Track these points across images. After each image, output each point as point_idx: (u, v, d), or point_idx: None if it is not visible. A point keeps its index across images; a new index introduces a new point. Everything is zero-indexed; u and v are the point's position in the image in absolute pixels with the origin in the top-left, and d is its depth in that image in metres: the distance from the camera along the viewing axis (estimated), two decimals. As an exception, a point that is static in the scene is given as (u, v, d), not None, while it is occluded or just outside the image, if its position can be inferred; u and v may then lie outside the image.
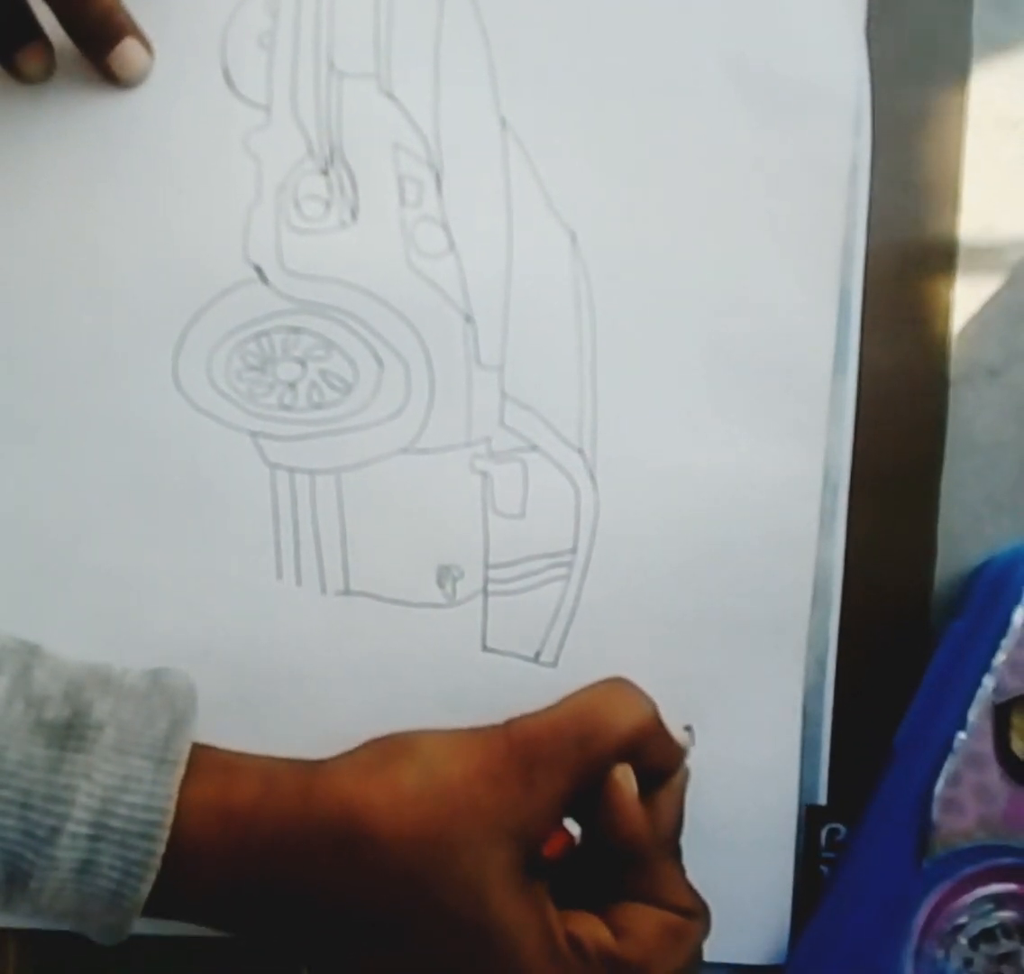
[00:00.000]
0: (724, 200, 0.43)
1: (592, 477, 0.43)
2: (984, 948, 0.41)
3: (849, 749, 0.44)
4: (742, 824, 0.43)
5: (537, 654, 0.43)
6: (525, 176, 0.43)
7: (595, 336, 0.43)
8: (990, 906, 0.41)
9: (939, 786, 0.41)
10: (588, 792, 0.38)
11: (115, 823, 0.35)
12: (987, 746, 0.41)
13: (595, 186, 0.43)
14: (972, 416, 0.45)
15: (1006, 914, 0.41)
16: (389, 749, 0.38)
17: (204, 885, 0.36)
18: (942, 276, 0.45)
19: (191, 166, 0.43)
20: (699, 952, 0.39)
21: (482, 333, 0.43)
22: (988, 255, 0.45)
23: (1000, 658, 0.41)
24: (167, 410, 0.42)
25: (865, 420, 0.44)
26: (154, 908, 0.36)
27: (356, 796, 0.36)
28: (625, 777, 0.39)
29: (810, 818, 0.44)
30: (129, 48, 0.41)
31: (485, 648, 0.43)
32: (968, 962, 0.41)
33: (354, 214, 0.43)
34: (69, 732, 0.36)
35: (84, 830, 0.35)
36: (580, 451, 0.43)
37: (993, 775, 0.41)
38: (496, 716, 0.39)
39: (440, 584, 0.43)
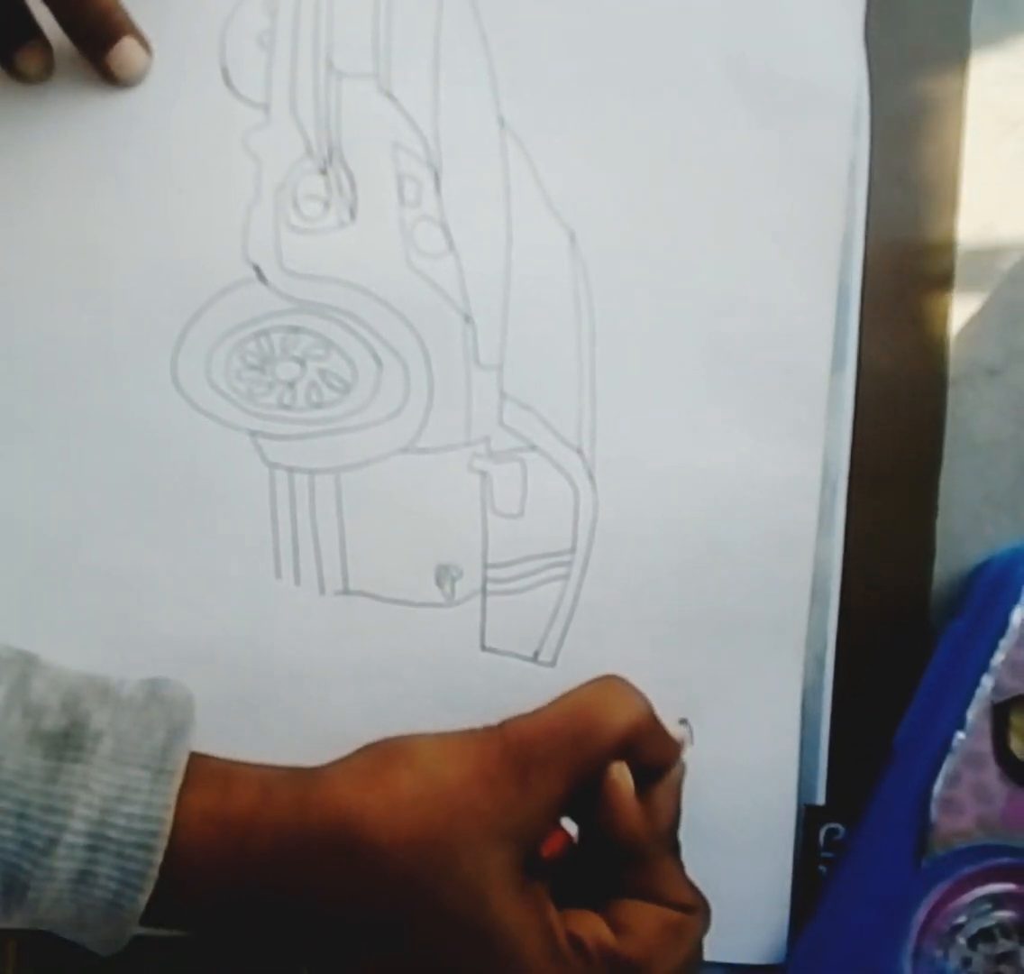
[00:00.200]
0: (723, 199, 0.43)
1: (591, 477, 0.43)
2: (983, 948, 0.41)
3: (848, 749, 0.44)
4: (741, 824, 0.43)
5: (536, 654, 0.43)
6: (524, 176, 0.43)
7: (594, 336, 0.43)
8: (988, 906, 0.41)
9: (938, 786, 0.41)
10: (585, 791, 0.38)
11: (113, 833, 0.35)
12: (986, 746, 0.41)
13: (594, 186, 0.43)
14: (971, 415, 0.45)
15: (1004, 914, 0.41)
16: (384, 754, 0.38)
17: (202, 895, 0.36)
18: (941, 275, 0.45)
19: (190, 166, 0.43)
20: (700, 947, 0.39)
21: (481, 333, 0.43)
22: (987, 255, 0.45)
23: (999, 658, 0.41)
24: (166, 409, 0.42)
25: (864, 419, 0.44)
26: (152, 918, 0.36)
27: (353, 803, 0.36)
28: (621, 775, 0.38)
29: (809, 818, 0.44)
30: (128, 47, 0.41)
31: (484, 648, 0.43)
32: (967, 962, 0.41)
33: (353, 214, 0.43)
34: (67, 742, 0.35)
35: (82, 840, 0.35)
36: (579, 451, 0.43)
37: (992, 775, 0.41)
38: (495, 715, 0.39)
39: (439, 584, 0.43)
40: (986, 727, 0.41)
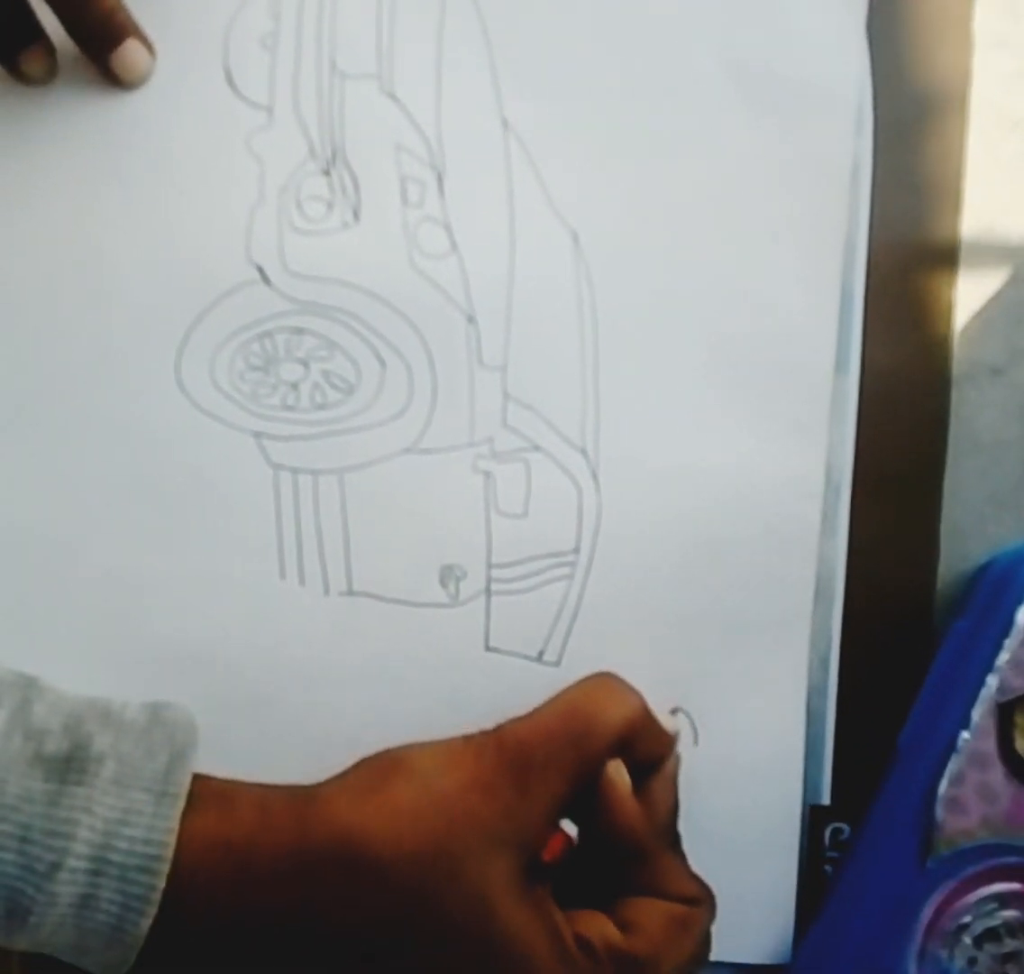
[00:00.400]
0: (726, 200, 0.44)
1: (595, 477, 0.43)
2: (988, 947, 0.41)
3: (853, 749, 0.44)
4: (746, 824, 0.43)
5: (540, 653, 0.43)
6: (527, 177, 0.43)
7: (597, 336, 0.43)
8: (994, 905, 0.41)
9: (943, 785, 0.41)
10: (583, 791, 0.38)
11: (115, 857, 0.34)
12: (990, 745, 0.41)
13: (597, 186, 0.43)
14: (975, 415, 0.45)
15: (1010, 913, 0.41)
16: (381, 767, 0.37)
17: (206, 918, 0.36)
18: (944, 275, 0.45)
19: (193, 167, 0.43)
20: (707, 937, 0.39)
21: (485, 334, 0.43)
22: (990, 254, 0.45)
23: (1003, 657, 0.41)
24: (170, 411, 0.42)
25: (867, 419, 0.44)
26: (155, 942, 0.35)
27: (353, 821, 0.36)
28: (618, 773, 0.38)
29: (814, 818, 0.44)
30: (131, 49, 0.42)
31: (488, 648, 0.43)
32: (972, 961, 0.41)
33: (356, 215, 0.43)
34: (69, 765, 0.35)
35: (84, 864, 0.34)
36: (583, 451, 0.43)
37: (996, 774, 0.41)
38: (499, 716, 0.39)
39: (443, 584, 0.43)
40: (991, 727, 0.41)
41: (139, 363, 0.42)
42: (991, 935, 0.41)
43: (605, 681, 0.40)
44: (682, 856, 0.40)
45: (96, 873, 0.34)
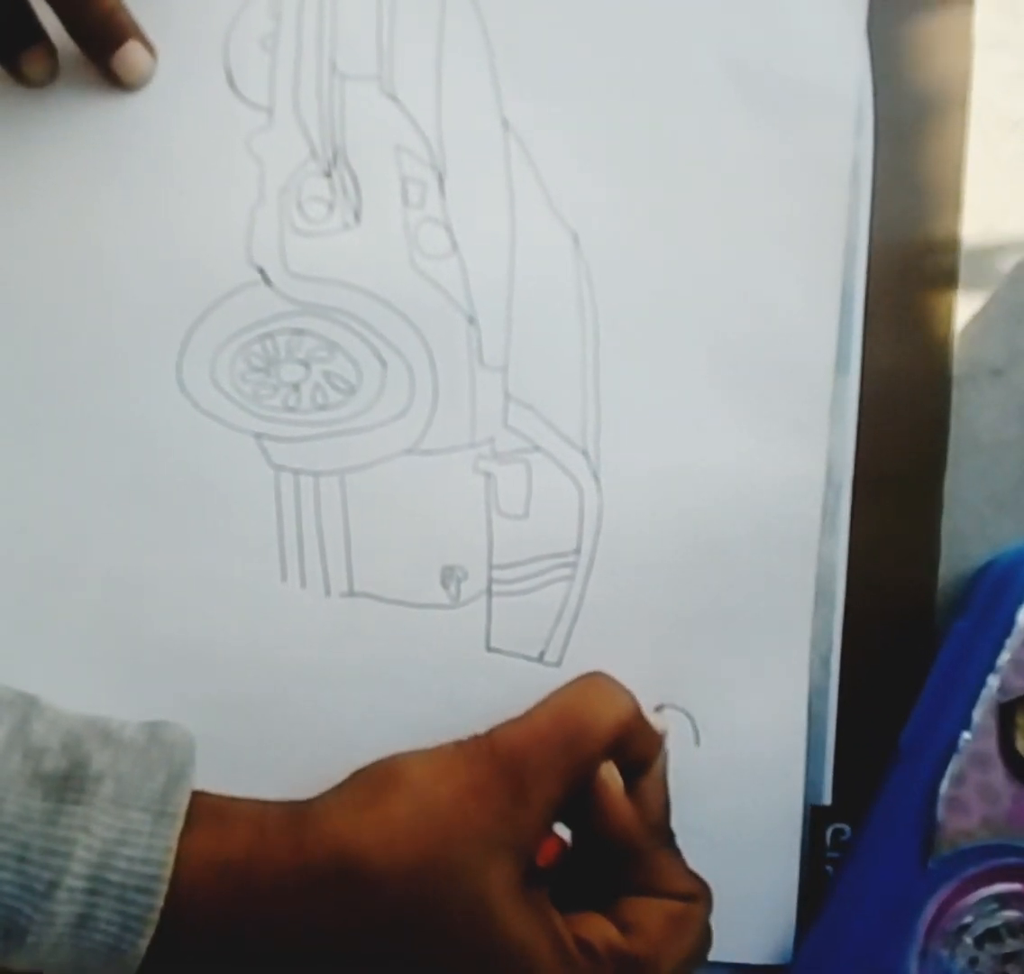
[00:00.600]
0: (726, 200, 0.44)
1: (596, 477, 0.43)
2: (989, 947, 0.41)
3: (853, 749, 0.44)
4: (747, 824, 0.43)
5: (541, 654, 0.43)
6: (527, 177, 0.43)
7: (598, 337, 0.43)
8: (995, 905, 0.41)
9: (944, 786, 0.41)
10: (577, 794, 0.38)
11: (113, 877, 0.34)
12: (991, 746, 0.41)
13: (597, 187, 0.43)
14: (975, 416, 0.45)
15: (1011, 913, 0.41)
16: (374, 781, 0.37)
17: (204, 937, 0.35)
18: (944, 275, 0.45)
19: (194, 168, 0.43)
20: (707, 931, 0.39)
21: (485, 334, 0.43)
22: (990, 254, 0.45)
23: (1004, 657, 0.41)
24: (171, 412, 0.42)
25: (868, 420, 0.44)
26: (154, 962, 0.35)
27: (349, 837, 0.36)
28: (611, 775, 0.38)
29: (815, 818, 0.44)
30: (132, 50, 0.42)
31: (489, 648, 0.43)
32: (973, 962, 0.41)
33: (357, 216, 0.43)
34: (67, 784, 0.35)
35: (82, 884, 0.34)
36: (584, 451, 0.43)
37: (998, 775, 0.41)
38: (500, 716, 0.39)
39: (444, 585, 0.43)
40: (992, 727, 0.41)
41: (140, 364, 0.42)
42: (992, 935, 0.41)
43: (598, 682, 0.40)
44: (677, 852, 0.40)
45: (94, 892, 0.34)
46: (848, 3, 0.44)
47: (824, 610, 0.44)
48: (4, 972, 0.36)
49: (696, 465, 0.43)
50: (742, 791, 0.43)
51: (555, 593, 0.43)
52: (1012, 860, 0.41)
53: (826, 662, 0.44)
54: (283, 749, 0.42)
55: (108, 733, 0.36)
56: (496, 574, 0.43)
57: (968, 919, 0.41)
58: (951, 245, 0.45)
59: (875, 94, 0.44)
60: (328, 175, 0.43)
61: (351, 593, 0.43)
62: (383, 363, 0.43)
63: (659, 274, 0.44)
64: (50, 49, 0.42)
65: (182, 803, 0.35)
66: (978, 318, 0.45)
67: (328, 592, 0.43)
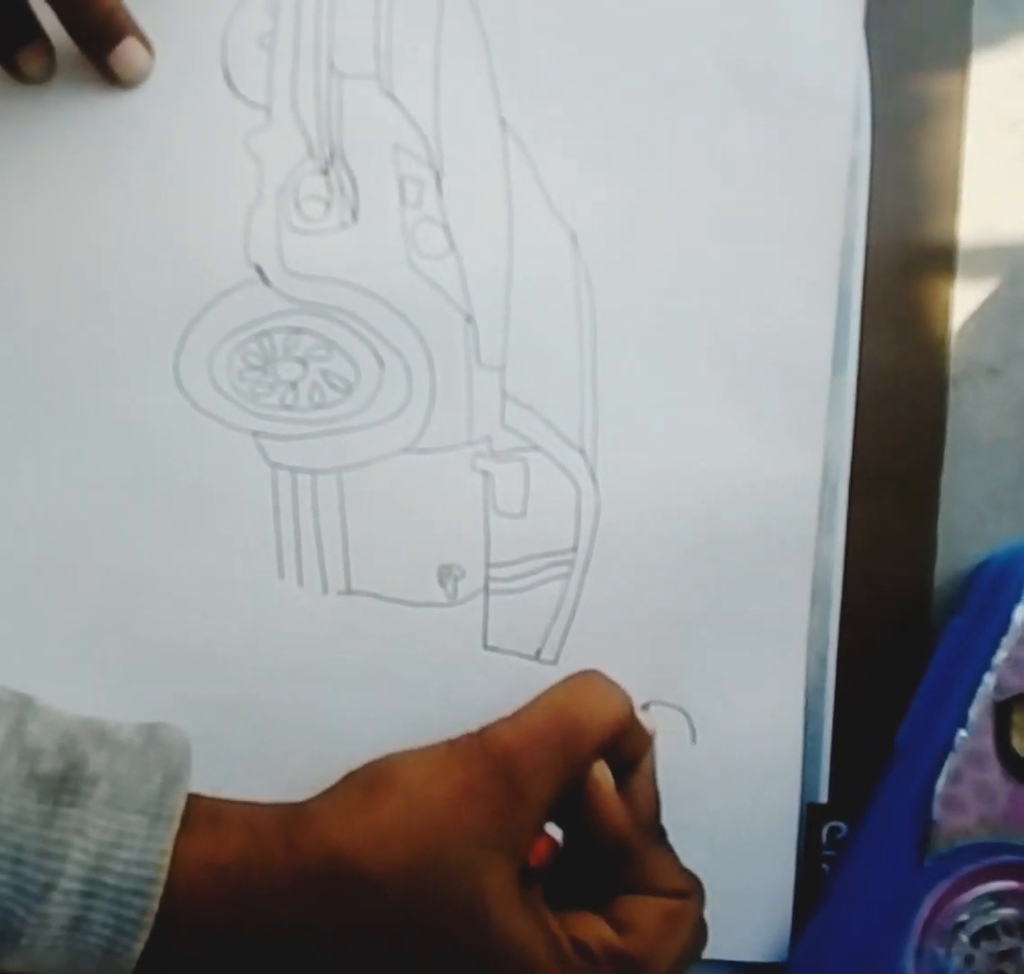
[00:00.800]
0: (724, 199, 0.44)
1: (593, 476, 0.43)
2: (985, 945, 0.41)
3: (850, 747, 0.44)
4: (743, 822, 0.43)
5: (538, 652, 0.43)
6: (525, 176, 0.43)
7: (595, 336, 0.43)
8: (991, 903, 0.41)
9: (940, 784, 0.41)
10: (570, 793, 0.38)
11: (108, 879, 0.34)
12: (988, 744, 0.41)
13: (595, 186, 0.43)
14: (972, 415, 0.45)
15: (1007, 911, 0.41)
16: (367, 783, 0.37)
17: (199, 941, 0.35)
18: (942, 275, 0.45)
19: (192, 167, 0.43)
20: (701, 927, 0.39)
21: (483, 333, 0.43)
22: (988, 254, 0.45)
23: (1001, 656, 0.41)
24: (168, 410, 0.42)
25: (865, 419, 0.44)
26: (148, 965, 0.35)
27: (342, 841, 0.36)
28: (603, 774, 0.38)
29: (811, 816, 0.44)
30: (130, 48, 0.41)
31: (486, 647, 0.43)
32: (969, 959, 0.41)
33: (355, 214, 0.43)
34: (63, 786, 0.35)
35: (77, 886, 0.34)
36: (581, 450, 0.43)
37: (994, 773, 0.41)
38: (497, 714, 0.39)
39: (441, 583, 0.43)
40: (988, 725, 0.41)
41: (137, 363, 0.42)
42: (988, 933, 0.42)
43: (592, 680, 0.40)
44: (669, 849, 0.40)
45: (89, 895, 0.34)
46: (846, 3, 0.44)
47: (821, 608, 0.44)
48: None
49: (693, 464, 0.43)
50: (739, 789, 0.43)
51: (552, 591, 0.43)
52: (1008, 858, 0.41)
53: (823, 660, 0.44)
54: (280, 747, 0.42)
55: (104, 734, 0.36)
56: (493, 573, 0.43)
57: (964, 917, 0.41)
58: (948, 244, 0.45)
59: (873, 94, 0.44)
60: (325, 174, 0.43)
61: (348, 591, 0.43)
62: (380, 362, 0.43)
63: (657, 273, 0.44)
64: (48, 46, 0.42)
65: (178, 806, 0.35)
66: (975, 317, 0.45)
67: (325, 590, 0.43)
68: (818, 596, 0.44)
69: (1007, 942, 0.41)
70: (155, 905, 0.34)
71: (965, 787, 0.41)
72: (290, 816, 0.37)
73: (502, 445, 0.43)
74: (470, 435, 0.43)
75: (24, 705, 0.36)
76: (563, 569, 0.43)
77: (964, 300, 0.45)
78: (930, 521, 0.45)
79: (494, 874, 0.36)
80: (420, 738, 0.39)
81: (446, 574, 0.43)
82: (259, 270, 0.43)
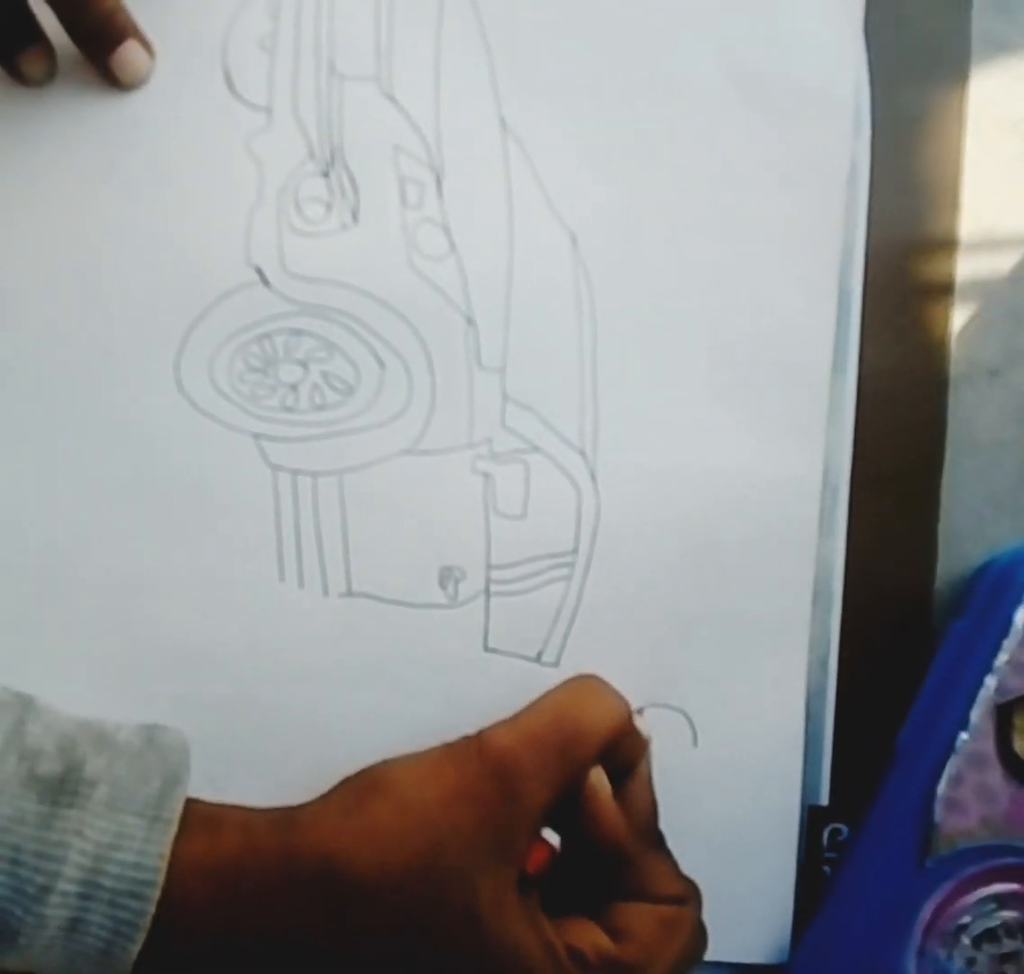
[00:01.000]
0: (724, 201, 0.44)
1: (593, 478, 0.43)
2: (987, 948, 0.41)
3: (851, 749, 0.44)
4: (744, 824, 0.43)
5: (539, 654, 0.43)
6: (526, 178, 0.43)
7: (596, 337, 0.43)
8: (993, 906, 0.41)
9: (941, 786, 0.41)
10: (567, 798, 0.38)
11: (106, 882, 0.34)
12: (989, 746, 0.41)
13: (595, 187, 0.43)
14: (972, 416, 0.45)
15: (1009, 914, 0.41)
16: (362, 786, 0.37)
17: (195, 943, 0.35)
18: (942, 276, 0.45)
19: (192, 168, 0.43)
20: (699, 932, 0.39)
21: (483, 335, 0.43)
22: (988, 255, 0.45)
23: (1002, 658, 0.41)
24: (169, 412, 0.42)
25: (865, 420, 0.44)
26: (145, 966, 0.35)
27: (336, 845, 0.36)
28: (600, 780, 0.38)
29: (812, 818, 0.44)
30: (130, 50, 0.41)
31: (487, 649, 0.43)
32: (971, 962, 0.41)
33: (355, 216, 0.43)
34: (62, 787, 0.35)
35: (74, 888, 0.34)
36: (581, 452, 0.43)
37: (995, 775, 0.41)
38: (498, 716, 0.39)
39: (442, 585, 0.43)
40: (989, 727, 0.41)
41: (138, 364, 0.42)
42: (990, 935, 0.41)
43: (591, 685, 0.40)
44: (667, 854, 0.40)
45: (86, 897, 0.34)
46: (845, 4, 0.44)
47: (822, 610, 0.44)
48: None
49: (693, 466, 0.43)
50: (740, 791, 0.43)
51: (553, 593, 0.43)
52: (1010, 860, 0.41)
53: (824, 663, 0.44)
54: (281, 749, 0.42)
55: (103, 736, 0.36)
56: (494, 574, 0.43)
57: (966, 919, 0.41)
58: (949, 246, 0.45)
59: (873, 95, 0.44)
60: (326, 175, 0.43)
61: (349, 593, 0.43)
62: (381, 363, 0.43)
63: (657, 274, 0.44)
64: (48, 49, 0.42)
65: (176, 809, 0.35)
66: (975, 319, 0.45)
67: (326, 592, 0.43)
68: (819, 598, 0.44)
69: (1009, 944, 0.41)
70: (152, 908, 0.34)
71: (966, 789, 0.41)
72: (285, 820, 0.37)
73: (503, 447, 0.43)
74: (471, 437, 0.43)
75: (24, 706, 0.36)
76: (564, 571, 0.43)
77: (964, 301, 0.45)
78: (930, 522, 0.45)
79: (488, 877, 0.36)
80: (421, 740, 0.39)
81: (447, 576, 0.43)
82: (260, 272, 0.43)
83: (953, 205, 0.45)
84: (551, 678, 0.41)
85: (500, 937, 0.36)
